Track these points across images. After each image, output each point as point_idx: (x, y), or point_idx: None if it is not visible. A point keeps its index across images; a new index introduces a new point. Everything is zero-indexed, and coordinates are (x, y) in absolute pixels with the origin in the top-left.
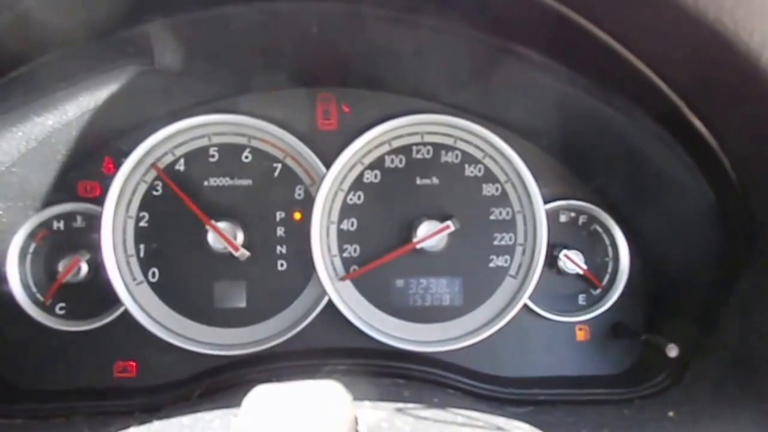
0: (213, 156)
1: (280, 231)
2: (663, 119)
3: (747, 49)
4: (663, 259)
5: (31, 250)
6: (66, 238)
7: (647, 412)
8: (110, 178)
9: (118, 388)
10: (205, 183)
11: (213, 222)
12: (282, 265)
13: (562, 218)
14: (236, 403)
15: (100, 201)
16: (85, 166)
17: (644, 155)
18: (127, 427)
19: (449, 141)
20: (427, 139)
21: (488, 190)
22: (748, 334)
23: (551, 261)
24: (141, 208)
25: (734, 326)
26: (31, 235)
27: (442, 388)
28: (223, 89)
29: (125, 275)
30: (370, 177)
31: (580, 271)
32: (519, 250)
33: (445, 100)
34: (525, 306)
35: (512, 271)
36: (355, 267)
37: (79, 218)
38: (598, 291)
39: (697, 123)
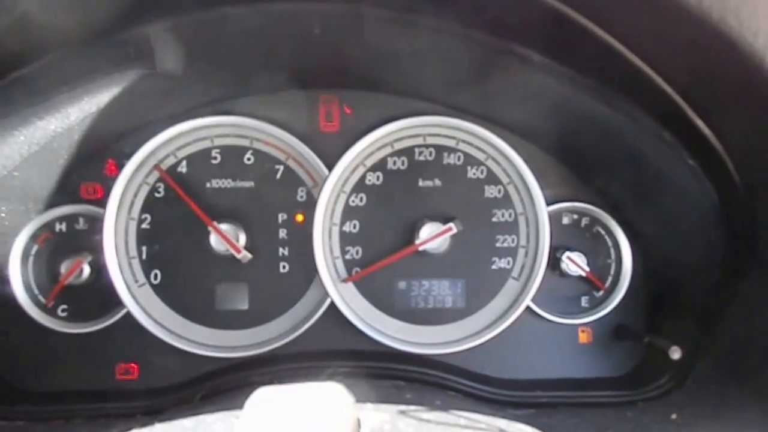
0: (215, 158)
1: (282, 233)
2: (665, 120)
3: (751, 50)
4: (666, 261)
5: (33, 252)
6: (68, 240)
7: (650, 414)
8: (112, 180)
9: (119, 391)
10: (208, 185)
11: (215, 224)
12: (284, 267)
13: (565, 220)
14: (238, 406)
15: (102, 203)
16: (87, 169)
17: (646, 157)
18: (129, 429)
19: (451, 143)
20: (430, 140)
21: (490, 191)
22: (751, 336)
23: (554, 263)
24: (143, 210)
25: (737, 328)
26: (34, 237)
27: (444, 391)
28: (225, 91)
29: (127, 277)
30: (372, 179)
31: (583, 273)
32: (521, 252)
33: (448, 102)
34: (527, 308)
35: (515, 273)
36: (358, 269)
37: (81, 220)
38: (601, 293)
39: (701, 124)
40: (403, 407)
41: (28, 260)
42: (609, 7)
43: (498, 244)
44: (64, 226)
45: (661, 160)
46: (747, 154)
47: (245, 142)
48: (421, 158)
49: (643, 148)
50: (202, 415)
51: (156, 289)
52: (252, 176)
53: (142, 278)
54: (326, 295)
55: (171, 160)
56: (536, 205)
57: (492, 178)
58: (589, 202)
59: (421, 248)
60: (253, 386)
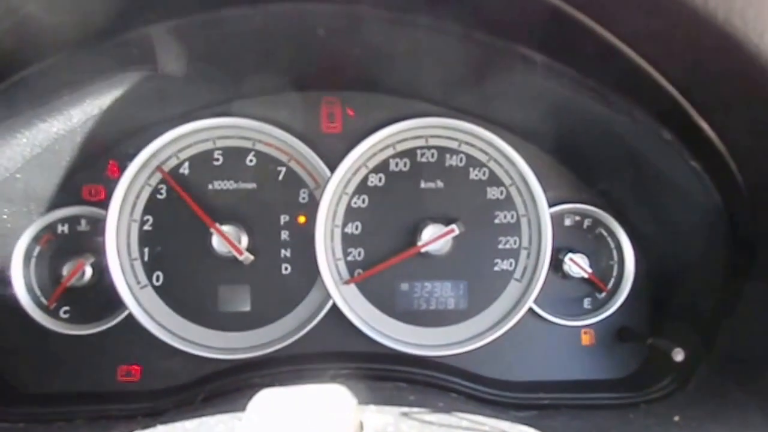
0: (217, 159)
1: (284, 234)
2: (668, 121)
3: (757, 51)
4: (668, 262)
5: (35, 253)
6: (70, 242)
7: (653, 416)
8: (115, 181)
9: (121, 392)
10: (210, 186)
11: (217, 225)
12: (286, 268)
13: (567, 222)
14: (240, 407)
15: (104, 205)
16: (89, 170)
17: (649, 158)
18: (131, 431)
19: (454, 144)
20: (432, 142)
21: (493, 193)
22: (754, 338)
23: (556, 264)
24: (145, 211)
25: (740, 330)
26: (36, 239)
27: (446, 392)
28: (227, 93)
29: (129, 279)
30: (374, 180)
31: (585, 275)
32: (524, 253)
33: (450, 104)
34: (530, 310)
35: (517, 275)
36: (360, 270)
37: (83, 222)
38: (603, 295)
39: (705, 125)
40: (405, 409)
41: (30, 262)
42: (613, 7)
43: (500, 246)
44: (66, 228)
45: (663, 161)
46: (750, 156)
47: (247, 144)
48: (424, 160)
49: (646, 150)
50: (203, 417)
51: (158, 290)
52: (254, 178)
53: (144, 280)
54: (328, 296)
55: (173, 162)
56: (538, 207)
57: (494, 180)
58: (591, 204)
59: (423, 250)
60: (254, 388)
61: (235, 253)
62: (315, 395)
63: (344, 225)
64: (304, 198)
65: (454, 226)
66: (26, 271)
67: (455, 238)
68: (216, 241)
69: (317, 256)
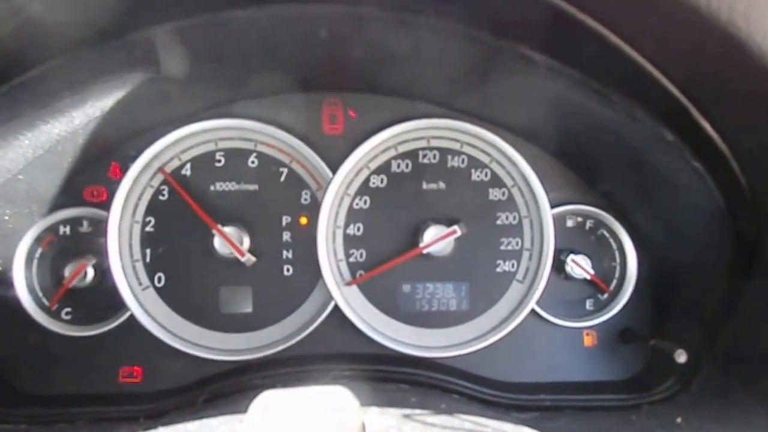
0: (219, 161)
1: (286, 236)
2: (671, 122)
3: (760, 51)
4: (670, 263)
5: (37, 254)
6: (72, 243)
7: (655, 418)
8: (117, 183)
9: (123, 394)
10: (212, 188)
11: (219, 227)
12: (288, 270)
13: (569, 223)
14: (242, 409)
15: (106, 206)
16: (91, 172)
17: (651, 159)
18: None
19: (456, 145)
20: (434, 143)
21: (495, 194)
22: (756, 339)
23: (558, 266)
24: (147, 212)
25: (743, 331)
26: (38, 240)
27: (448, 394)
28: (229, 94)
29: (131, 280)
30: (376, 182)
31: (588, 276)
32: (526, 254)
33: (452, 105)
34: (532, 311)
35: (519, 276)
36: (362, 272)
37: (85, 223)
38: (606, 296)
39: (707, 126)
40: (407, 411)
41: (32, 263)
42: (615, 8)
43: (502, 247)
44: (68, 229)
45: (665, 162)
46: (753, 156)
47: (249, 145)
48: (425, 161)
49: (648, 150)
50: (205, 418)
51: (160, 292)
52: (256, 179)
53: (146, 281)
54: (330, 298)
55: (175, 163)
56: (541, 208)
57: (496, 181)
58: (593, 205)
59: (425, 251)
60: (256, 389)
61: (237, 255)
62: (317, 397)
63: (346, 226)
64: (305, 199)
65: (456, 227)
66: (28, 273)
67: (457, 240)
68: (218, 243)
69: (319, 258)
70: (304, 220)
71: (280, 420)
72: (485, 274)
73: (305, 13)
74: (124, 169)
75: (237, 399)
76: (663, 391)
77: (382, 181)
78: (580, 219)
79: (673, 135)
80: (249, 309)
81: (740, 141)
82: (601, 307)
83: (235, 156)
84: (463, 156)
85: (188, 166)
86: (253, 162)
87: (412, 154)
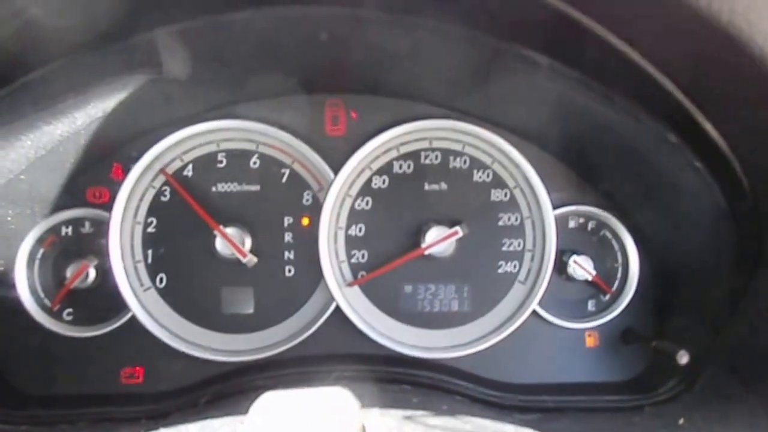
0: (221, 162)
1: (287, 237)
2: (674, 124)
3: (761, 53)
4: (673, 264)
5: (39, 255)
6: (74, 244)
7: (657, 419)
8: (119, 184)
9: (125, 395)
10: (213, 189)
11: (221, 228)
12: (290, 270)
13: (571, 224)
14: (243, 410)
15: (108, 207)
16: (93, 173)
17: (654, 160)
18: None
19: (457, 146)
20: (436, 144)
21: (497, 195)
22: (760, 340)
23: (560, 267)
24: (149, 213)
25: (745, 332)
26: (40, 241)
27: (450, 395)
28: (231, 96)
29: (133, 281)
30: (378, 182)
31: (590, 277)
32: (528, 255)
33: (454, 106)
34: (534, 312)
35: (521, 277)
36: (363, 273)
37: (87, 224)
38: (608, 297)
39: (709, 128)
40: (409, 412)
41: (34, 264)
42: (616, 10)
43: (504, 248)
44: (70, 230)
45: (668, 163)
46: (755, 158)
47: (251, 146)
48: (427, 162)
49: (650, 152)
50: (206, 420)
51: (161, 292)
52: (258, 180)
53: (147, 282)
54: (332, 298)
55: (177, 164)
56: (542, 209)
57: (498, 182)
58: (595, 206)
59: (427, 252)
60: (258, 390)
61: (239, 255)
62: (318, 398)
63: (348, 227)
64: (307, 200)
65: (457, 228)
66: (30, 273)
67: (459, 240)
68: (219, 243)
69: (321, 259)
70: (305, 221)
71: (280, 421)
72: (487, 275)
73: (307, 15)
74: (126, 170)
75: (238, 400)
76: (665, 392)
77: (383, 182)
78: (582, 220)
79: (676, 136)
80: (250, 310)
81: (742, 142)
82: (603, 308)
83: (237, 157)
84: (465, 157)
85: (190, 167)
86: (254, 163)
87: (414, 155)
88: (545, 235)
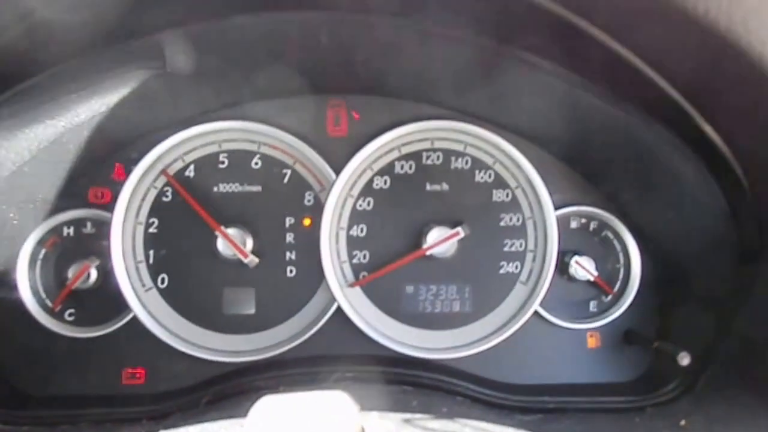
0: (223, 162)
1: (289, 237)
2: (675, 126)
3: (760, 59)
4: (675, 266)
5: (41, 256)
6: (76, 245)
7: (659, 420)
8: (120, 184)
9: (126, 395)
10: (215, 189)
11: (222, 228)
12: (291, 271)
13: (573, 224)
14: (244, 411)
15: (110, 207)
16: (95, 173)
17: (655, 161)
18: None
19: (459, 147)
20: (437, 145)
21: (498, 196)
22: (762, 342)
23: (562, 267)
24: (151, 214)
25: (747, 333)
26: (41, 242)
27: (451, 396)
28: (233, 96)
29: (134, 281)
30: (379, 183)
31: (591, 278)
32: (529, 256)
33: (455, 106)
34: (535, 313)
35: (523, 278)
36: (365, 273)
37: (88, 224)
38: (609, 297)
39: (709, 130)
40: (408, 415)
41: (35, 264)
42: (617, 17)
43: (506, 249)
44: (71, 231)
45: (670, 164)
46: (755, 161)
47: (253, 147)
48: (429, 162)
49: (651, 152)
50: (205, 423)
51: (163, 293)
52: (259, 180)
53: (149, 282)
54: (333, 299)
55: (178, 165)
56: (544, 209)
57: (500, 182)
58: (597, 206)
59: (428, 253)
60: (259, 391)
61: (240, 256)
62: (317, 402)
63: (349, 227)
64: (309, 200)
65: (459, 228)
66: (32, 274)
67: (460, 241)
68: (221, 244)
69: (322, 259)
70: (307, 222)
71: (280, 425)
72: (488, 275)
73: (306, 20)
74: (127, 171)
75: (240, 400)
76: (667, 393)
77: (385, 183)
78: (584, 220)
79: (677, 138)
80: (252, 310)
81: (742, 144)
82: (604, 309)
83: (239, 157)
84: (467, 157)
85: (192, 167)
86: (256, 163)
87: (415, 156)
88: (547, 235)
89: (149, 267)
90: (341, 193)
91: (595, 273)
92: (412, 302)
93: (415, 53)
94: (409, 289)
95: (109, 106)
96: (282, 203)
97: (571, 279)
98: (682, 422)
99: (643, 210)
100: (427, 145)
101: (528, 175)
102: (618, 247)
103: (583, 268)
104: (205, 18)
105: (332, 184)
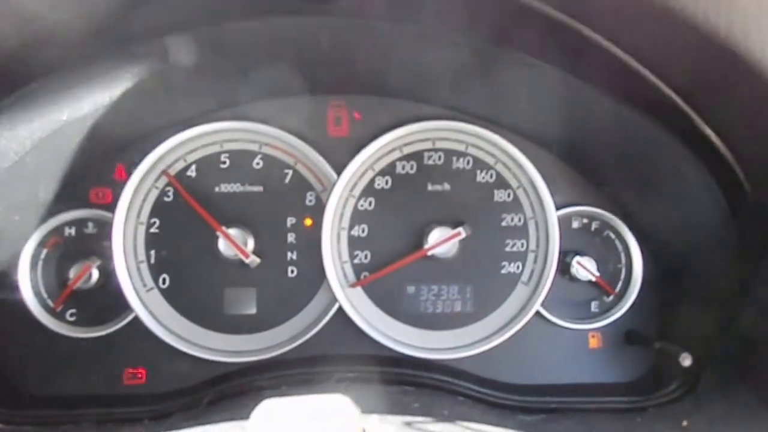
0: (224, 162)
1: (290, 237)
2: (676, 127)
3: (760, 64)
4: (676, 266)
5: (42, 256)
6: (77, 245)
7: (660, 420)
8: (122, 184)
9: (127, 395)
10: (216, 189)
11: (224, 228)
12: (292, 271)
13: (575, 224)
14: (246, 411)
15: (111, 207)
16: (97, 173)
17: (656, 162)
18: None
19: (461, 147)
20: (439, 145)
21: (500, 196)
22: (763, 341)
23: (563, 268)
24: (152, 214)
25: (749, 333)
26: (43, 242)
27: (452, 396)
28: (234, 96)
29: (136, 282)
30: (381, 183)
31: (593, 278)
32: (531, 256)
33: (457, 106)
34: (537, 313)
35: (524, 278)
36: (366, 273)
37: (90, 224)
38: (611, 298)
39: (711, 133)
40: (408, 418)
41: (37, 265)
42: (618, 23)
43: (507, 249)
44: (73, 231)
45: (669, 164)
46: (755, 160)
47: (254, 147)
48: (430, 162)
49: (652, 153)
50: (206, 425)
51: (164, 293)
52: (261, 180)
53: (150, 283)
54: (334, 299)
55: (180, 165)
56: (546, 210)
57: (501, 182)
58: (599, 206)
59: (429, 253)
60: (260, 391)
61: (242, 256)
62: (317, 405)
63: (351, 228)
64: (310, 201)
65: (460, 229)
66: (33, 274)
67: (462, 241)
68: (222, 244)
69: (323, 259)
70: (308, 222)
71: (281, 428)
72: (490, 275)
73: (307, 25)
74: (129, 171)
75: (241, 400)
76: (668, 393)
77: (386, 183)
78: (585, 220)
79: (678, 139)
80: (253, 310)
81: (742, 147)
82: (606, 309)
83: (240, 158)
84: (469, 157)
85: (193, 167)
86: (257, 164)
87: (417, 156)
88: (548, 235)
89: (150, 267)
90: (342, 194)
91: (597, 273)
92: (414, 302)
93: (415, 54)
94: (411, 289)
95: (112, 98)
96: (283, 203)
97: (573, 279)
98: (684, 422)
99: (644, 210)
100: (428, 145)
101: (529, 175)
102: (619, 247)
103: (585, 268)
104: (206, 24)
105: (333, 185)
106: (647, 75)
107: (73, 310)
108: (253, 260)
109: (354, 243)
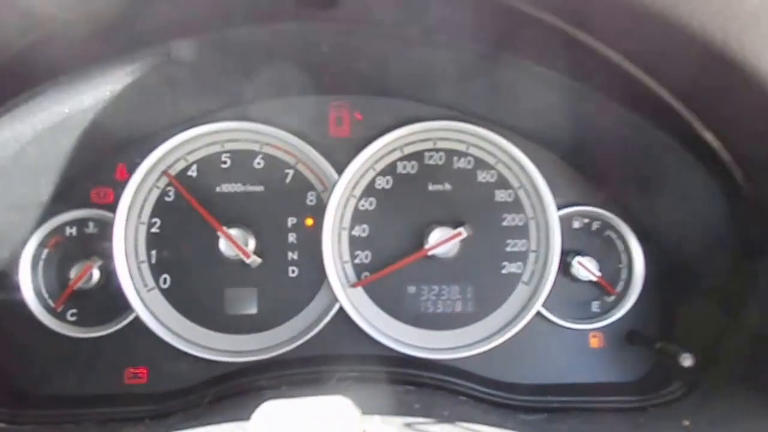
0: (225, 162)
1: (291, 237)
2: (675, 131)
3: (757, 71)
4: (677, 265)
5: (43, 256)
6: (78, 245)
7: (662, 420)
8: (123, 184)
9: (128, 395)
10: (217, 189)
11: (225, 228)
12: (293, 271)
13: (576, 224)
14: (247, 411)
15: (112, 207)
16: (98, 173)
17: (657, 163)
18: None
19: (462, 147)
20: (440, 145)
21: (501, 196)
22: (762, 341)
23: (564, 268)
24: (153, 214)
25: (750, 333)
26: (44, 242)
27: (454, 396)
28: (235, 97)
29: (136, 281)
30: (382, 183)
31: (594, 278)
32: (532, 256)
33: (458, 106)
34: (538, 313)
35: (525, 278)
36: (367, 273)
37: (91, 224)
38: (612, 298)
39: (709, 137)
40: (409, 419)
41: (38, 264)
42: (618, 32)
43: (508, 249)
44: (74, 230)
45: (670, 164)
46: (754, 166)
47: (255, 147)
48: (431, 162)
49: (653, 154)
50: (207, 426)
51: (165, 293)
52: (262, 180)
53: (151, 282)
54: (335, 299)
55: (181, 165)
56: (547, 210)
57: (502, 183)
58: (600, 206)
59: (430, 253)
60: (261, 391)
61: (243, 256)
62: (318, 407)
63: (351, 228)
64: (311, 201)
65: (461, 229)
66: (34, 274)
67: (463, 241)
68: (223, 244)
69: (324, 259)
70: (309, 222)
71: (282, 430)
72: (491, 275)
73: (308, 31)
74: (130, 171)
75: (242, 400)
76: (669, 393)
77: (387, 183)
78: (586, 220)
79: (677, 141)
80: (254, 310)
81: (742, 151)
82: (607, 309)
83: (241, 158)
84: (469, 157)
85: (194, 167)
86: (258, 163)
87: (418, 156)
88: (549, 235)
89: (151, 267)
90: (343, 194)
91: (598, 273)
92: (414, 302)
93: (416, 54)
94: (412, 289)
95: (113, 94)
96: (284, 203)
97: (574, 279)
98: (686, 422)
99: (645, 210)
100: (429, 145)
101: (530, 175)
102: (620, 247)
103: (586, 268)
104: (208, 29)
105: (334, 184)
106: (647, 80)
107: (74, 310)
108: (254, 260)
109: (355, 243)
